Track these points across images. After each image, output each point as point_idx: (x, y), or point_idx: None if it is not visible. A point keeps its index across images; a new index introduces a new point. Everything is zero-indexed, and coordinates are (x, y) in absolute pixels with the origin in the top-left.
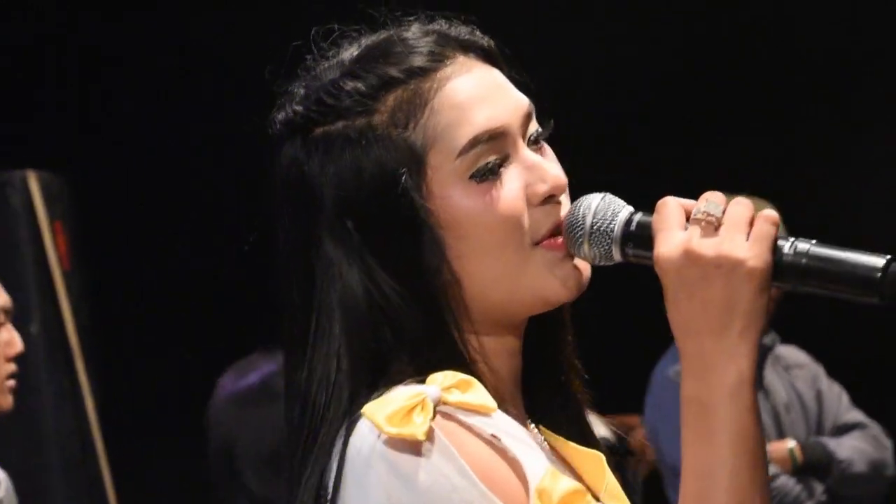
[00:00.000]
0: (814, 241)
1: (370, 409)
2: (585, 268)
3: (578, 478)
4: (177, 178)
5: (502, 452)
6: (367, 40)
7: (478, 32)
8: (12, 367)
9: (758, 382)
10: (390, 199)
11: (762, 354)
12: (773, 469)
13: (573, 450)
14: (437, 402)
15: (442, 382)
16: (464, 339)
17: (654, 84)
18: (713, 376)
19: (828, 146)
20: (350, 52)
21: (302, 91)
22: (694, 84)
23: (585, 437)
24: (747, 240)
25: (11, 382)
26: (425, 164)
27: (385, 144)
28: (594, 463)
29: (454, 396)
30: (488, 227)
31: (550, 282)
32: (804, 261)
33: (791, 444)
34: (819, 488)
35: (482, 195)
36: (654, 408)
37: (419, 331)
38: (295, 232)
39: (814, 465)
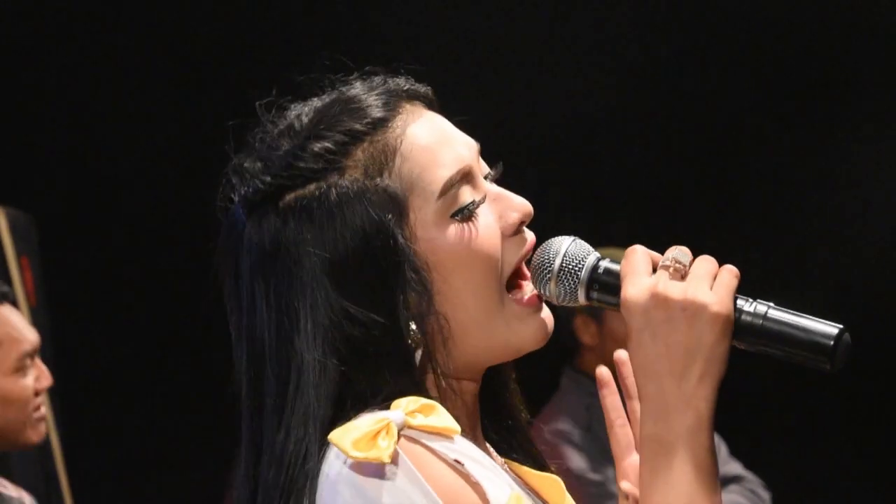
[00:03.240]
0: (771, 304)
1: (336, 435)
2: (550, 318)
3: (543, 501)
4: (145, 214)
5: (465, 477)
6: (312, 105)
7: (413, 81)
8: (40, 399)
9: None
10: (375, 249)
11: None
12: None
13: (533, 475)
14: (402, 427)
15: (406, 407)
16: (437, 381)
17: (629, 117)
18: (672, 418)
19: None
20: (301, 118)
21: (259, 164)
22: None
23: (539, 466)
24: (711, 290)
25: (40, 413)
26: (407, 208)
27: (364, 196)
28: (553, 487)
29: (418, 420)
30: (471, 264)
31: (522, 333)
32: (761, 322)
33: None
34: None
35: (463, 233)
36: None
37: (394, 383)
38: (269, 302)
39: None
